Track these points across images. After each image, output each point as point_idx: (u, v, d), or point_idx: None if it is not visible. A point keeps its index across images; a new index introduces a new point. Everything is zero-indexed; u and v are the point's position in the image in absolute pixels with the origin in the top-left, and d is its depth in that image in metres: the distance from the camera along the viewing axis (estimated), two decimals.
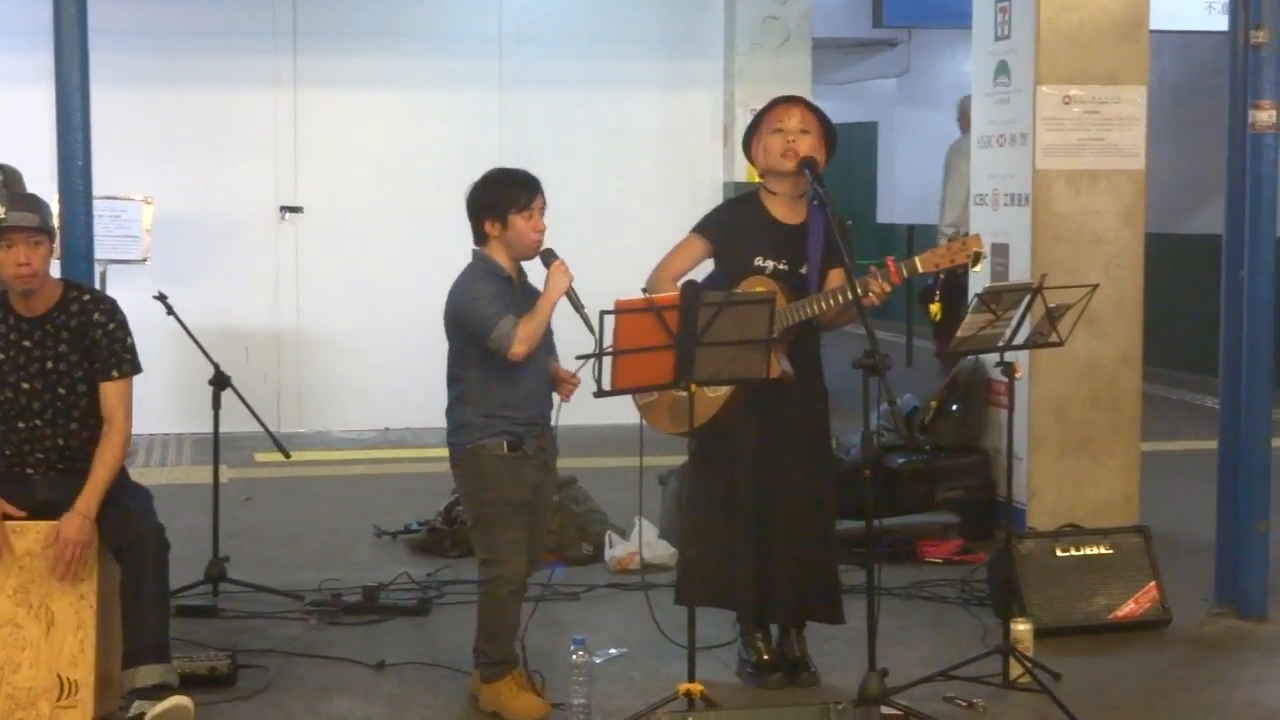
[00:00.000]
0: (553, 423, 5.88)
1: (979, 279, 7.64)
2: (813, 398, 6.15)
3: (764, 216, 6.06)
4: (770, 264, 5.98)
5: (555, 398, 5.82)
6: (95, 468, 5.61)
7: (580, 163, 12.04)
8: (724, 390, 5.80)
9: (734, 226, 6.07)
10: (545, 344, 5.75)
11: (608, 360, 5.14)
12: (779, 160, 5.96)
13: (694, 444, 5.47)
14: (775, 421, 6.02)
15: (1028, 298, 6.03)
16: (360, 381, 11.40)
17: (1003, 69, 8.36)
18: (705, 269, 6.16)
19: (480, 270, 5.77)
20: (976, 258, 5.78)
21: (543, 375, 5.79)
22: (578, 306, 5.65)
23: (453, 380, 5.85)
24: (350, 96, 12.07)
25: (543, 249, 5.75)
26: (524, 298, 5.74)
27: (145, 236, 11.07)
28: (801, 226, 6.01)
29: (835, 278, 5.92)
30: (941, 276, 6.42)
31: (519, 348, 5.59)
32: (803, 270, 5.99)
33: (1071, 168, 8.08)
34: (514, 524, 5.74)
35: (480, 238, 5.80)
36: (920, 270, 5.78)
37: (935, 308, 5.88)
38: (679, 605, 5.93)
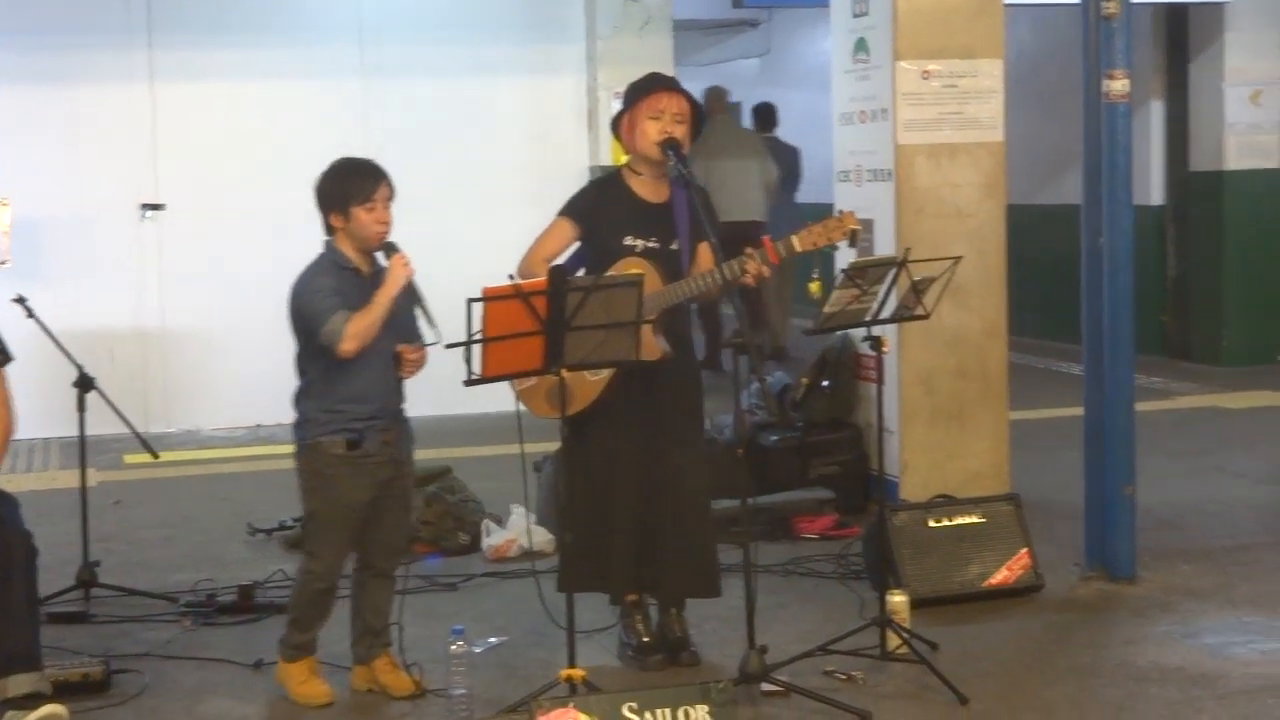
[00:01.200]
0: (405, 413, 5.85)
1: (847, 253, 7.66)
2: (685, 378, 6.16)
3: (629, 196, 6.07)
4: (640, 243, 5.98)
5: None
6: None
7: (445, 151, 12.00)
8: (606, 373, 5.81)
9: (600, 207, 6.07)
10: (395, 334, 5.69)
11: (478, 348, 5.11)
12: (651, 147, 5.97)
13: (566, 429, 5.47)
14: (651, 402, 6.02)
15: (893, 272, 6.05)
16: (229, 378, 11.24)
17: (862, 45, 8.38)
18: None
19: (325, 263, 5.73)
20: (853, 235, 5.82)
21: (389, 368, 5.73)
22: (416, 299, 5.64)
23: (298, 373, 5.83)
24: (208, 90, 11.92)
25: (385, 241, 5.69)
26: (374, 290, 5.69)
27: (3, 238, 10.86)
28: (666, 204, 6.03)
29: (705, 251, 5.95)
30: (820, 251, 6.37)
31: (348, 344, 5.55)
32: (673, 246, 6.01)
33: (932, 142, 8.12)
34: (340, 526, 5.74)
35: (328, 229, 5.77)
36: (798, 249, 5.77)
37: (815, 285, 5.86)
38: (561, 592, 5.90)
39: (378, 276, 5.68)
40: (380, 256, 5.72)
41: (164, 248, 11.82)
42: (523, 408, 5.87)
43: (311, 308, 5.61)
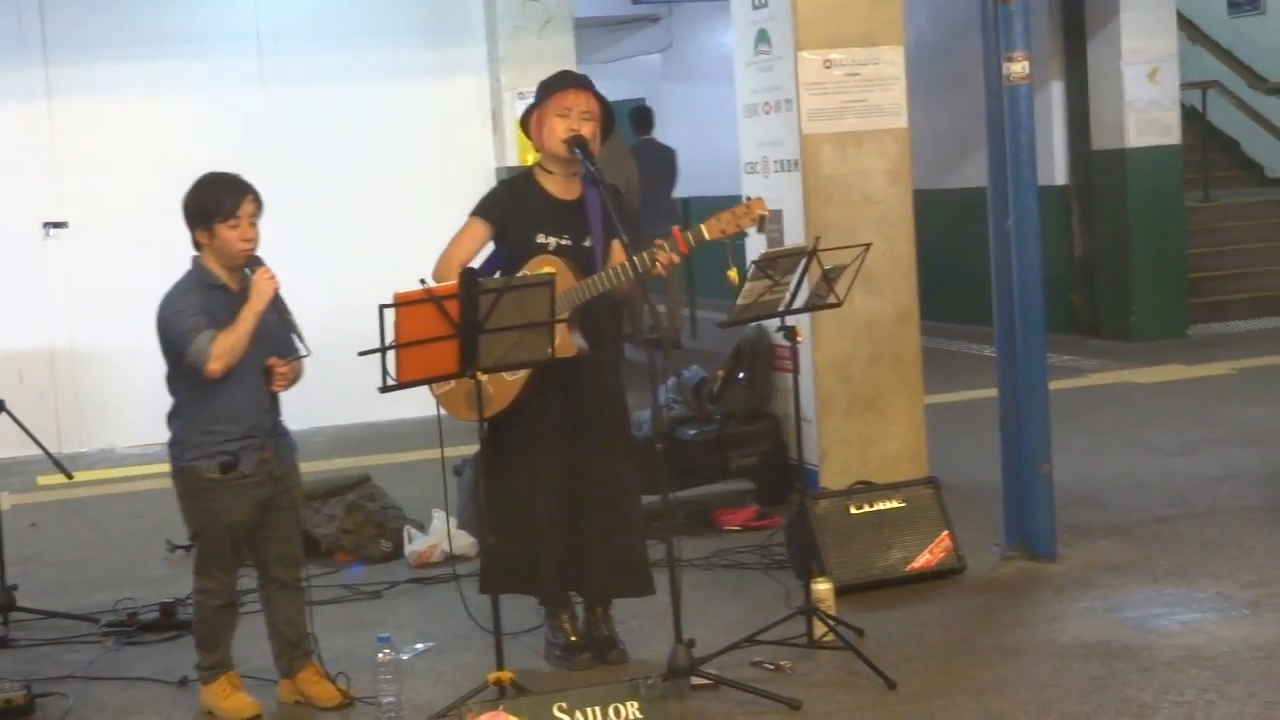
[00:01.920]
0: (283, 427, 5.78)
1: (757, 244, 7.64)
2: (606, 373, 6.13)
3: (541, 194, 6.05)
4: (553, 240, 5.97)
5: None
6: None
7: (350, 158, 11.93)
8: (524, 373, 5.79)
9: (512, 207, 6.04)
10: (266, 349, 5.61)
11: (392, 354, 5.10)
12: (559, 144, 5.94)
13: (485, 431, 5.45)
14: (572, 399, 6.01)
15: (804, 261, 6.06)
16: (140, 395, 10.83)
17: (763, 37, 8.35)
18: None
19: (191, 281, 5.64)
20: (762, 221, 5.81)
21: (260, 384, 5.64)
22: (283, 313, 5.60)
23: (170, 393, 5.73)
24: (107, 105, 11.79)
25: (250, 256, 5.60)
26: (240, 303, 5.60)
27: None
28: (578, 202, 6.02)
29: (618, 249, 5.94)
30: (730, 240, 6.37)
31: (214, 364, 5.46)
32: (586, 244, 6.00)
33: (837, 130, 8.09)
34: (224, 545, 5.68)
35: (196, 244, 5.67)
36: (707, 238, 5.76)
37: (733, 273, 5.87)
38: (484, 594, 5.87)
39: (247, 293, 5.59)
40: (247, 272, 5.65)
41: (69, 266, 11.69)
42: (443, 411, 5.82)
43: (176, 328, 5.52)
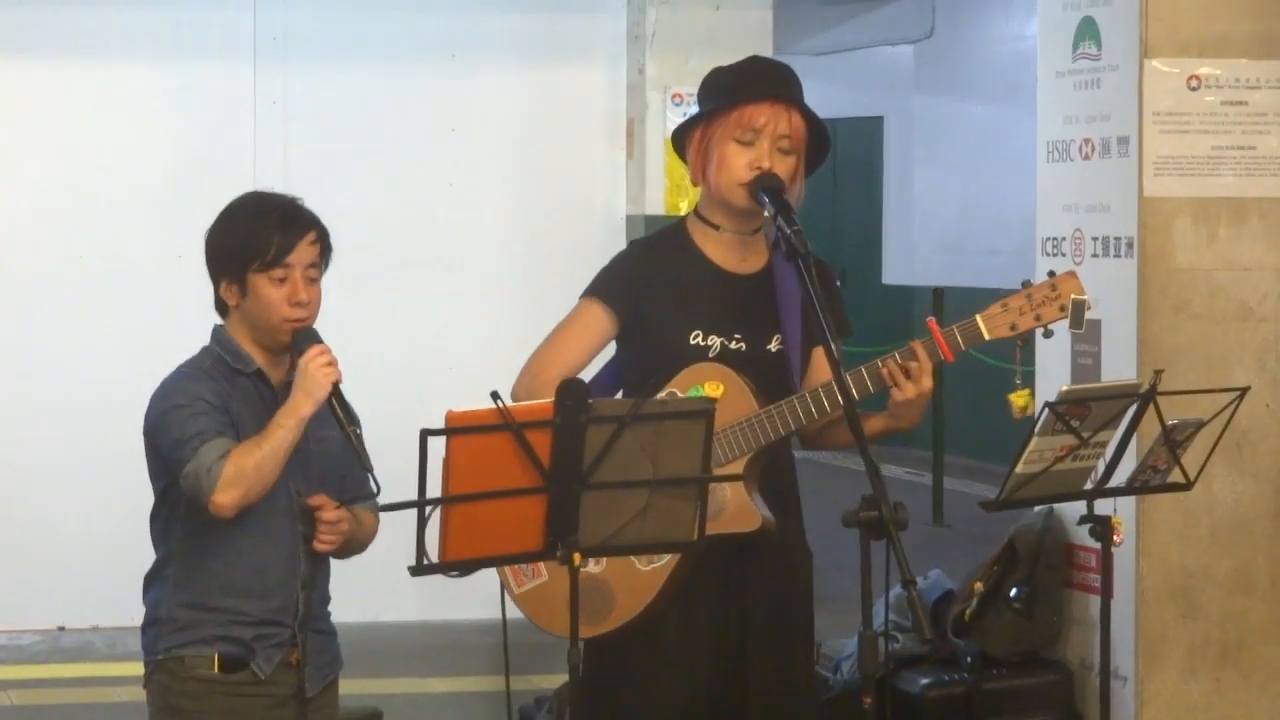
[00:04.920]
0: (328, 618, 4.52)
1: (1053, 376, 6.20)
2: (789, 567, 4.68)
3: (700, 264, 4.72)
4: (717, 341, 4.65)
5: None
6: None
7: (384, 180, 8.74)
8: (669, 559, 4.48)
9: (652, 283, 4.74)
10: (310, 480, 4.37)
11: (437, 512, 3.87)
12: (735, 188, 4.54)
13: (577, 657, 4.03)
14: (731, 605, 4.61)
15: (1131, 409, 5.01)
16: (13, 552, 7.95)
17: (1089, 32, 6.81)
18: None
19: (206, 362, 4.41)
20: (1076, 310, 4.52)
21: (295, 537, 4.36)
22: (344, 423, 4.31)
23: (155, 542, 4.44)
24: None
25: (301, 329, 4.35)
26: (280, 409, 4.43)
27: None
28: (760, 278, 4.73)
29: (823, 360, 4.63)
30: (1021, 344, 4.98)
31: (224, 494, 4.16)
32: (773, 347, 4.67)
33: (1202, 195, 6.55)
34: None
35: (220, 305, 4.45)
36: (986, 337, 4.53)
37: (1021, 397, 4.77)
38: None
39: (290, 385, 4.41)
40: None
41: None
42: (519, 614, 4.49)
43: (172, 431, 4.26)
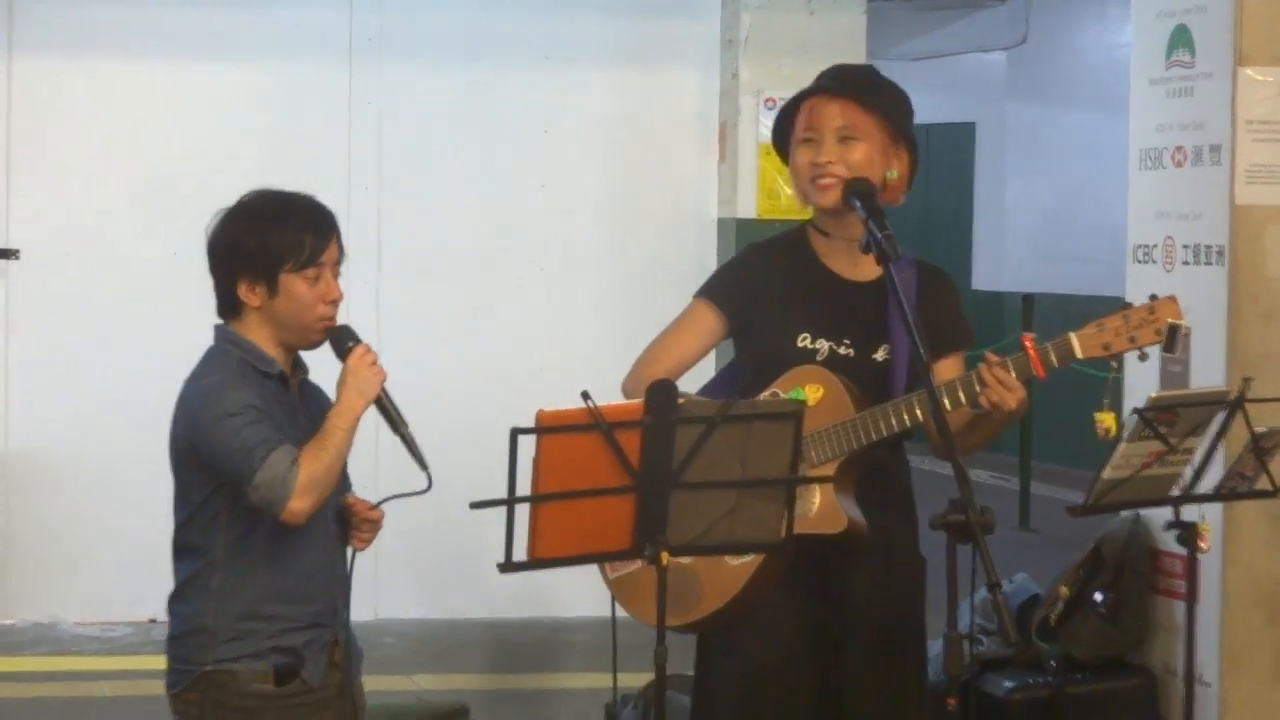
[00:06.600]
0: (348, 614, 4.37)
1: (1142, 381, 6.09)
2: (898, 570, 4.61)
3: (815, 269, 4.65)
4: (825, 345, 4.56)
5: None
6: None
7: (477, 181, 8.74)
8: (755, 556, 4.39)
9: (763, 287, 4.65)
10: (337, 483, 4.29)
11: (524, 511, 3.88)
12: (809, 187, 4.52)
13: (664, 654, 3.98)
14: (831, 608, 4.55)
15: (1221, 417, 5.09)
16: (106, 545, 8.12)
17: (1182, 39, 6.76)
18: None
19: (230, 366, 4.22)
20: (1172, 334, 4.43)
21: (333, 539, 4.26)
22: (395, 422, 4.23)
23: (185, 550, 4.24)
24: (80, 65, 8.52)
25: (335, 328, 4.24)
26: (305, 410, 4.27)
27: None
28: (874, 286, 4.58)
29: (950, 370, 4.59)
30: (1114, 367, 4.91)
31: (299, 501, 4.04)
32: (879, 356, 4.57)
33: None
34: None
35: (230, 306, 4.25)
36: (1079, 355, 4.43)
37: (1108, 417, 4.59)
38: None
39: (306, 387, 4.33)
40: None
41: (11, 327, 8.47)
42: (619, 608, 4.44)
43: (233, 441, 4.09)
